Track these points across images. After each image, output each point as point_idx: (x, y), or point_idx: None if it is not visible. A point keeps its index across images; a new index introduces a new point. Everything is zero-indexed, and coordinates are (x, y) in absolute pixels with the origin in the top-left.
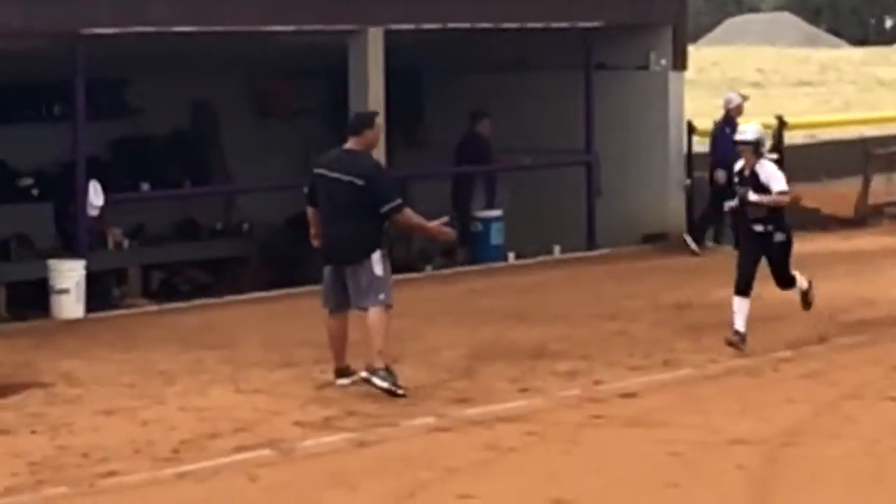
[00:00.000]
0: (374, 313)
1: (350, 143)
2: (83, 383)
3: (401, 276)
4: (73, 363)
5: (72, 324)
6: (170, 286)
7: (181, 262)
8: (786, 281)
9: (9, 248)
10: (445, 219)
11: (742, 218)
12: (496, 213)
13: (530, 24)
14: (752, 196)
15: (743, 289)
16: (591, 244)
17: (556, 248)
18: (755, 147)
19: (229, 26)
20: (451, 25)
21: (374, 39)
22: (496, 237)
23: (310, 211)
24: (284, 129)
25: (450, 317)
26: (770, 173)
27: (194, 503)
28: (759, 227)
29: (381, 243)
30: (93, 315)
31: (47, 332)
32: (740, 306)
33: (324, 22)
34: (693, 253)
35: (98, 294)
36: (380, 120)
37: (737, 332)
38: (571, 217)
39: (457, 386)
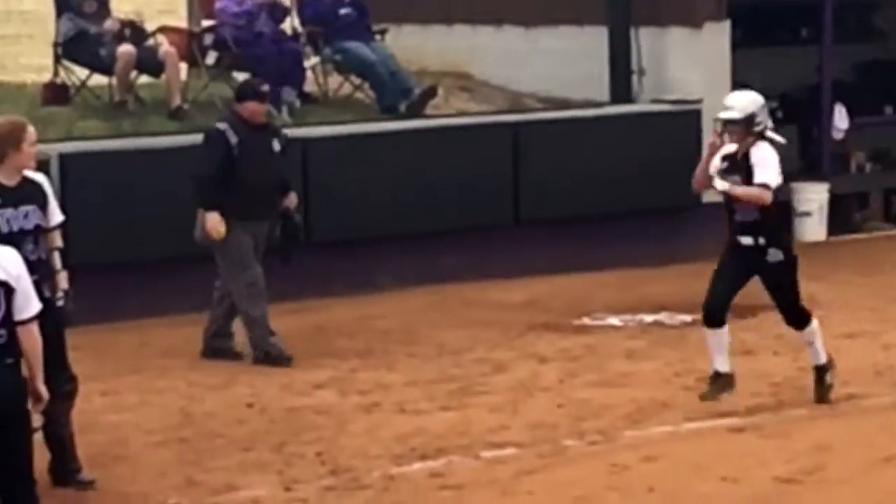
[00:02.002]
0: None
1: None
2: (824, 306)
3: None
4: (814, 286)
5: (813, 246)
6: None
7: None
8: (794, 316)
9: None
10: None
11: (729, 223)
12: None
13: None
14: (719, 182)
15: (711, 317)
16: None
17: None
18: (745, 125)
19: None
20: None
21: None
22: None
23: None
24: None
25: None
26: (761, 158)
27: None
28: (747, 240)
29: None
30: (834, 238)
31: None
32: (713, 340)
33: None
34: None
35: (839, 217)
36: None
37: (716, 374)
38: None
39: None
